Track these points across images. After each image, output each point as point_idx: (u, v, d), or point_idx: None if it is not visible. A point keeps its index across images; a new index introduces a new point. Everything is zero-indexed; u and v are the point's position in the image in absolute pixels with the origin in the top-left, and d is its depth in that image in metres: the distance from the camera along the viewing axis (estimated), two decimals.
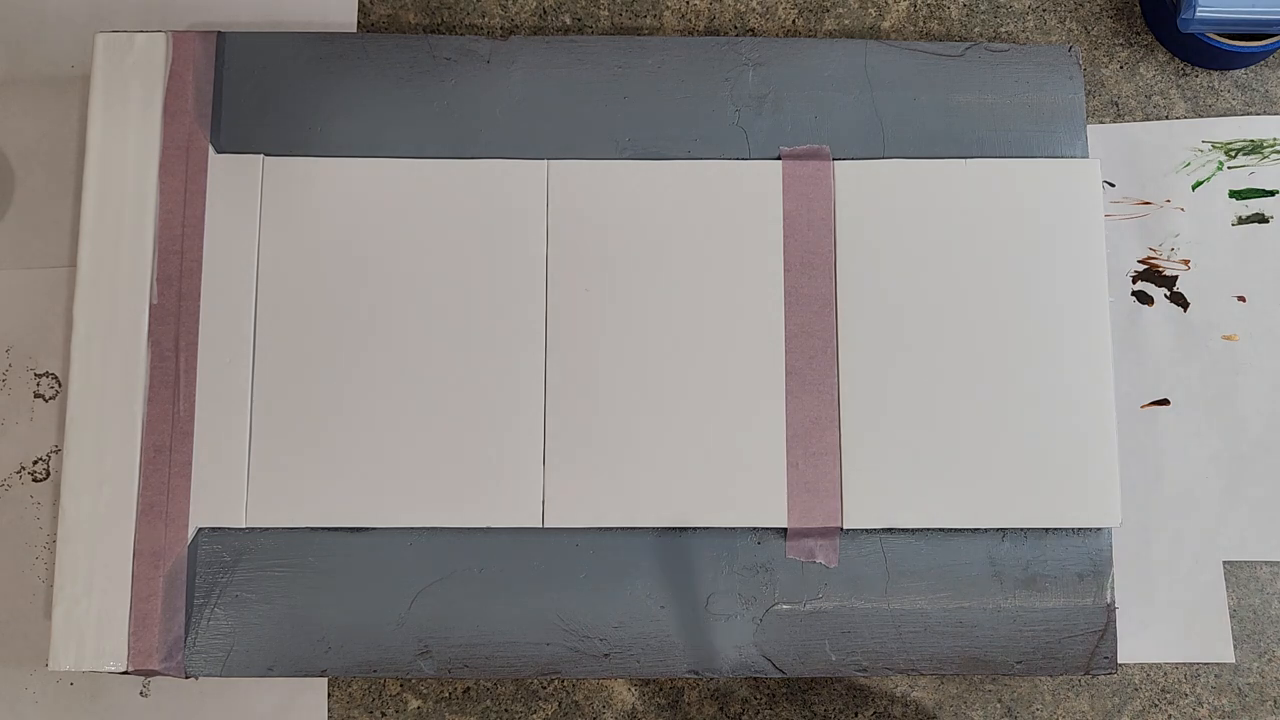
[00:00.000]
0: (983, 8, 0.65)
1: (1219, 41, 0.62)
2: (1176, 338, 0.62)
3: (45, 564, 0.60)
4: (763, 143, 0.60)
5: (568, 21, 0.65)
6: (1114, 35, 0.65)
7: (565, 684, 0.60)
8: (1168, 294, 0.63)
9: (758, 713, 0.60)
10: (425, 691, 0.60)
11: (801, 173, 0.59)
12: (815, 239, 0.59)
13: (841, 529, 0.57)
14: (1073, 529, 0.57)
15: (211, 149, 0.59)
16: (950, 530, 0.57)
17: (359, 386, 0.57)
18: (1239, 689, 0.60)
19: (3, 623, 0.60)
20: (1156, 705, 0.60)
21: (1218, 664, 0.60)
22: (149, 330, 0.57)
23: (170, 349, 0.57)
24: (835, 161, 0.60)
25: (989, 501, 0.57)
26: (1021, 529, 0.57)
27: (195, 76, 0.59)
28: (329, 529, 0.57)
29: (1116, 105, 0.65)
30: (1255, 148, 0.64)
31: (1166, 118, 0.64)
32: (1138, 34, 0.65)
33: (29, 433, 0.61)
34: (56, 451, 0.61)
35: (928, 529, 0.57)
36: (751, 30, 0.65)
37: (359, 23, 0.65)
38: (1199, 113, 0.64)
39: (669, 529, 0.57)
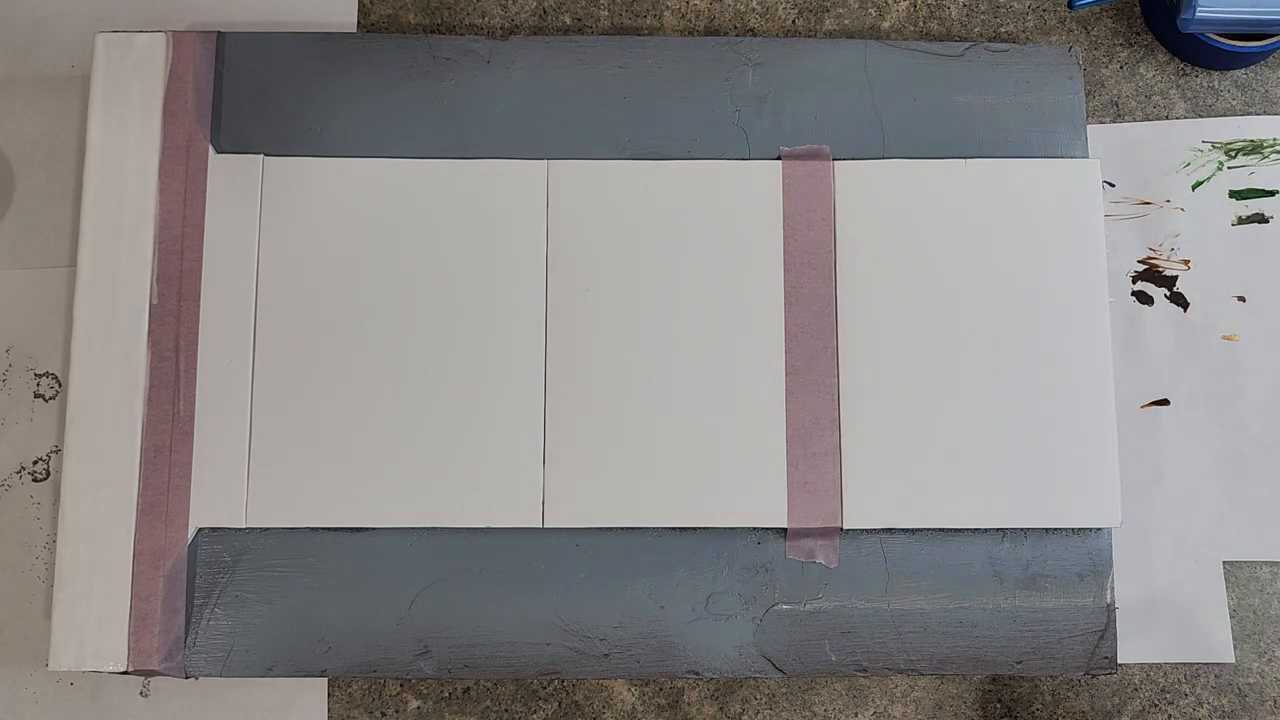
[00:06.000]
0: (983, 8, 0.65)
1: (1219, 41, 0.62)
2: (1176, 338, 0.62)
3: (45, 564, 0.60)
4: (763, 143, 0.60)
5: (568, 21, 0.65)
6: (1114, 35, 0.65)
7: (565, 684, 0.60)
8: (1168, 294, 0.63)
9: (758, 713, 0.60)
10: (425, 691, 0.60)
11: (801, 173, 0.59)
12: (815, 239, 0.59)
13: (841, 529, 0.57)
14: (1073, 529, 0.57)
15: (211, 149, 0.59)
16: (950, 530, 0.57)
17: (359, 386, 0.57)
18: (1239, 689, 0.60)
19: (3, 623, 0.60)
20: (1156, 705, 0.60)
21: (1218, 664, 0.60)
22: (149, 330, 0.57)
23: (170, 349, 0.57)
24: (835, 161, 0.60)
25: (989, 501, 0.57)
26: (1021, 529, 0.57)
27: (195, 76, 0.59)
28: (329, 529, 0.57)
29: (1116, 105, 0.65)
30: (1255, 148, 0.64)
31: (1166, 118, 0.64)
32: (1138, 34, 0.65)
33: (29, 433, 0.61)
34: (56, 451, 0.61)
35: (928, 529, 0.57)
36: (751, 30, 0.65)
37: (359, 23, 0.65)
38: (1199, 113, 0.64)
39: (669, 529, 0.57)
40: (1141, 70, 0.65)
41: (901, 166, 0.59)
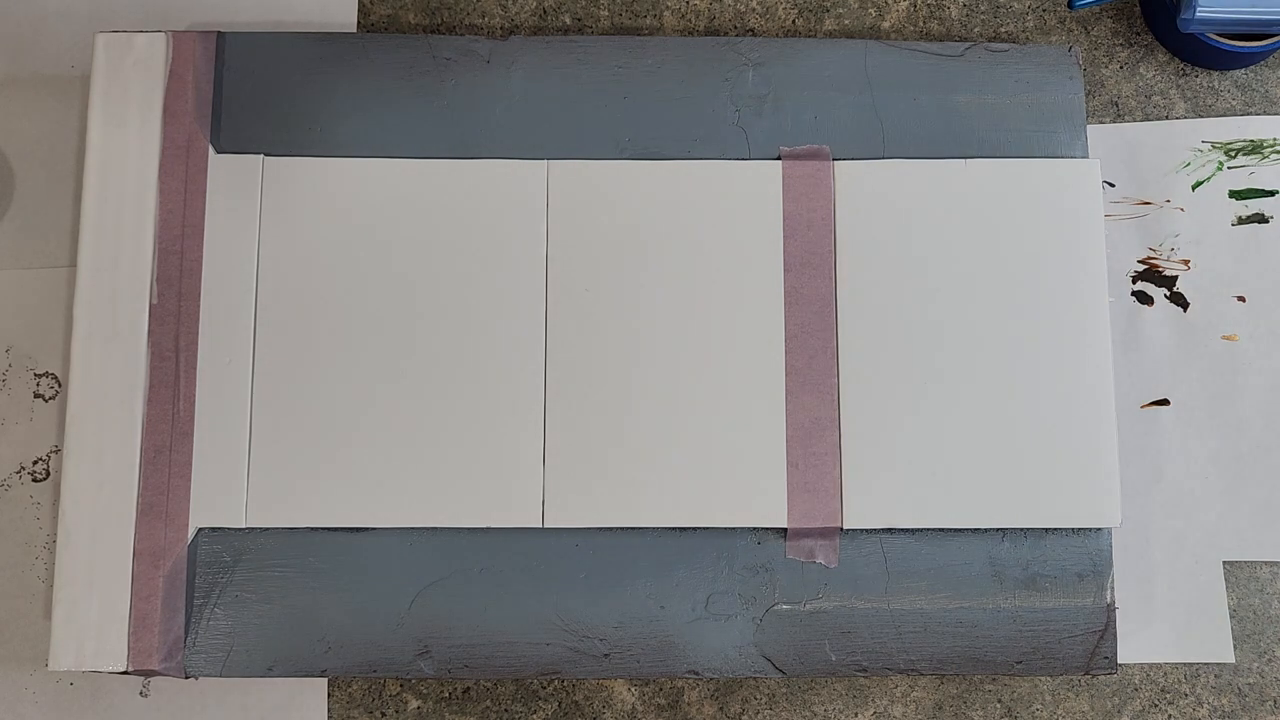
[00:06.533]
0: (983, 8, 0.65)
1: (1219, 41, 0.62)
2: (1176, 338, 0.62)
3: (45, 564, 0.60)
4: (763, 143, 0.60)
5: (568, 21, 0.65)
6: (1114, 35, 0.65)
7: (565, 684, 0.60)
8: (1168, 294, 0.63)
9: (758, 713, 0.60)
10: (425, 691, 0.60)
11: (801, 173, 0.59)
12: (815, 239, 0.59)
13: (841, 529, 0.57)
14: (1073, 529, 0.57)
15: (211, 149, 0.59)
16: (950, 530, 0.57)
17: (359, 386, 0.57)
18: (1239, 689, 0.60)
19: (3, 623, 0.60)
20: (1156, 705, 0.60)
21: (1218, 664, 0.60)
22: (149, 330, 0.57)
23: (170, 349, 0.57)
24: (835, 161, 0.60)
25: (989, 501, 0.57)
26: (1021, 529, 0.57)
27: (195, 76, 0.59)
28: (329, 529, 0.57)
29: (1116, 105, 0.65)
30: (1255, 148, 0.64)
31: (1166, 118, 0.64)
32: (1138, 34, 0.65)
33: (29, 433, 0.61)
34: (56, 451, 0.61)
35: (928, 529, 0.57)
36: (751, 30, 0.65)
37: (359, 23, 0.65)
38: (1199, 113, 0.64)
39: (669, 529, 0.57)
40: (1141, 70, 0.65)
41: (901, 166, 0.59)
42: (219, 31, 0.60)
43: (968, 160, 0.60)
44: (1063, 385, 0.58)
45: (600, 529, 0.57)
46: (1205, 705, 0.60)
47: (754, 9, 0.65)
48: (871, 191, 0.59)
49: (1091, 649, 0.56)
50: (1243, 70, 0.65)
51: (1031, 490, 0.57)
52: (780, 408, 0.57)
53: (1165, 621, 0.60)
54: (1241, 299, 0.63)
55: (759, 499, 0.57)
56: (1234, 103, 0.64)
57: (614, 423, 0.57)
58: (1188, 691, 0.60)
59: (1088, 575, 0.57)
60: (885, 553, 0.57)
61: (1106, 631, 0.57)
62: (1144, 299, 0.63)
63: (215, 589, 0.56)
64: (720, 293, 0.58)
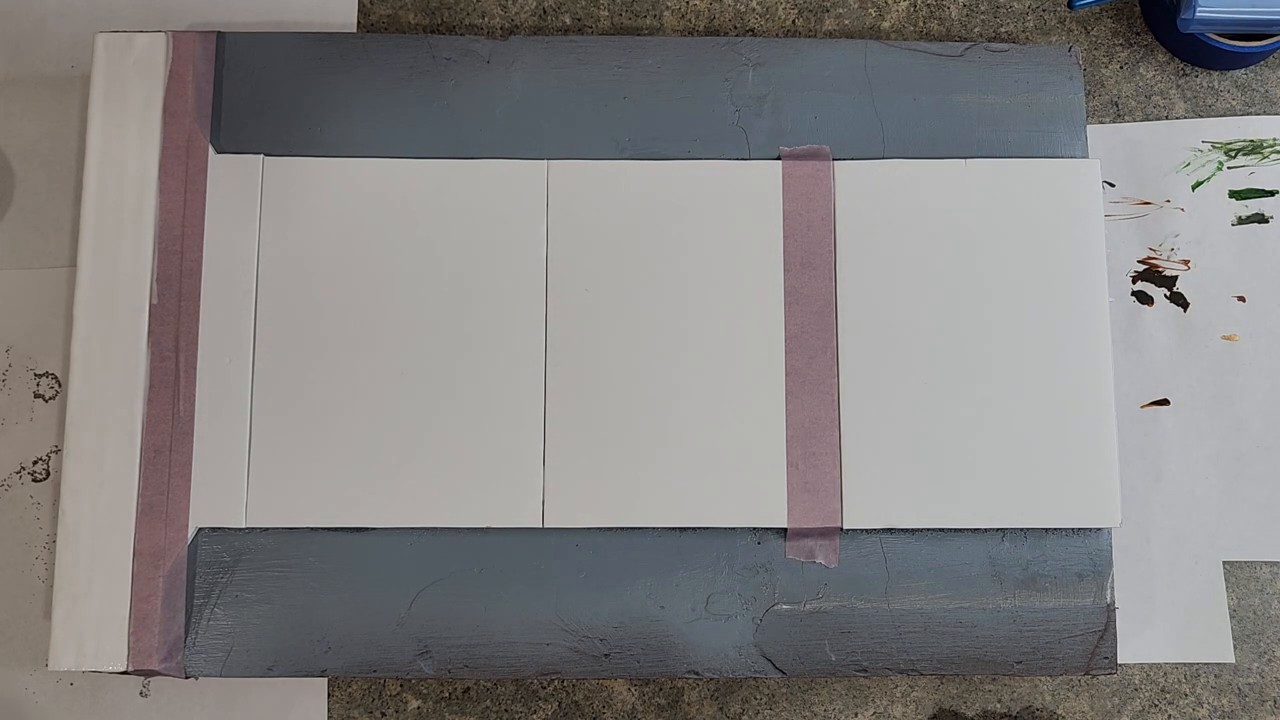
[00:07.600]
0: (983, 8, 0.65)
1: (1219, 41, 0.62)
2: (1176, 338, 0.62)
3: (45, 564, 0.60)
4: (763, 143, 0.60)
5: (568, 21, 0.65)
6: (1114, 35, 0.65)
7: (565, 684, 0.60)
8: (1168, 294, 0.63)
9: (758, 713, 0.60)
10: (425, 691, 0.60)
11: (801, 173, 0.59)
12: (815, 239, 0.59)
13: (841, 529, 0.57)
14: (1072, 529, 0.57)
15: (211, 149, 0.59)
16: (950, 530, 0.57)
17: (359, 386, 0.57)
18: (1239, 689, 0.60)
19: (3, 623, 0.60)
20: (1156, 705, 0.60)
21: (1218, 664, 0.60)
22: (149, 330, 0.57)
23: (170, 349, 0.57)
24: (835, 161, 0.60)
25: (989, 501, 0.57)
26: (1021, 529, 0.57)
27: (195, 76, 0.59)
28: (329, 529, 0.57)
29: (1116, 105, 0.65)
30: (1255, 148, 0.64)
31: (1166, 118, 0.64)
32: (1138, 34, 0.65)
33: (29, 433, 0.61)
34: (56, 451, 0.61)
35: (928, 529, 0.57)
36: (751, 30, 0.65)
37: (359, 23, 0.65)
38: (1199, 113, 0.64)
39: (669, 529, 0.57)
40: (1141, 70, 0.65)
41: (901, 166, 0.59)
42: (219, 31, 0.60)
43: (968, 160, 0.60)
44: (1063, 385, 0.58)
45: (600, 529, 0.57)
46: (1205, 705, 0.60)
47: (754, 9, 0.65)
48: (871, 191, 0.59)
49: (1091, 649, 0.57)
50: (1243, 70, 0.65)
51: (1031, 490, 0.57)
52: (780, 408, 0.57)
53: (1165, 621, 0.60)
54: (1241, 299, 0.63)
55: (759, 499, 0.57)
56: (1234, 103, 0.64)
57: (614, 423, 0.57)
58: (1188, 691, 0.60)
59: (1088, 575, 0.57)
60: (885, 553, 0.57)
61: (1106, 631, 0.57)
62: (1144, 299, 0.63)
63: (215, 589, 0.56)
64: (720, 293, 0.58)
